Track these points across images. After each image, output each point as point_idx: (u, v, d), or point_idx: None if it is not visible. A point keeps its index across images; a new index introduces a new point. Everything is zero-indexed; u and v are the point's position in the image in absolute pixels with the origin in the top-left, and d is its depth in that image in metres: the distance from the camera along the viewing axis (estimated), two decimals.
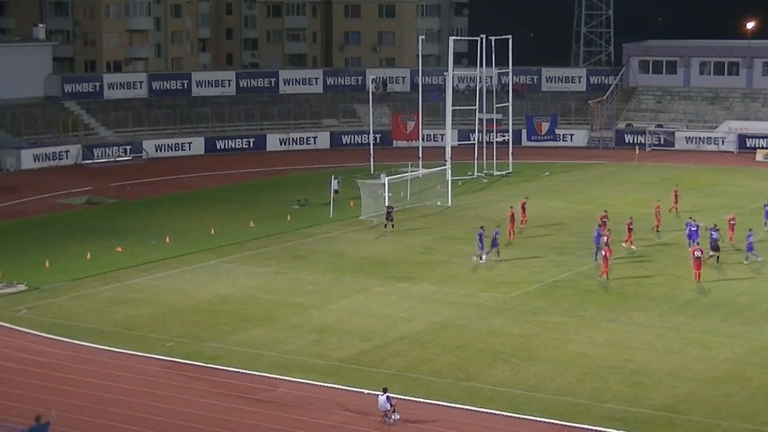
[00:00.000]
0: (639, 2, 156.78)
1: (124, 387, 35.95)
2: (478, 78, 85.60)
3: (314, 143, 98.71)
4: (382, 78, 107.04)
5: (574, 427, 32.71)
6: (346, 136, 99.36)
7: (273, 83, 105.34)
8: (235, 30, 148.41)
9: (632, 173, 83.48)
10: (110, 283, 49.62)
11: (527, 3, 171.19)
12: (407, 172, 72.02)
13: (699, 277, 48.62)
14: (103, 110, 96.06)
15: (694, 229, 54.29)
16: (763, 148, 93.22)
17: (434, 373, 37.17)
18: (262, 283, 49.59)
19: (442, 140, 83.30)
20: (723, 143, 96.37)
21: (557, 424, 32.89)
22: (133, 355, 39.34)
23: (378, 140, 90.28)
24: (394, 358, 38.86)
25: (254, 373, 37.29)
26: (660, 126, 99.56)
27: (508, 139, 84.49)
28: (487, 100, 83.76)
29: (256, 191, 75.95)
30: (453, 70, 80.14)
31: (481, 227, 53.99)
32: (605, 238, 52.32)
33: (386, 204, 62.43)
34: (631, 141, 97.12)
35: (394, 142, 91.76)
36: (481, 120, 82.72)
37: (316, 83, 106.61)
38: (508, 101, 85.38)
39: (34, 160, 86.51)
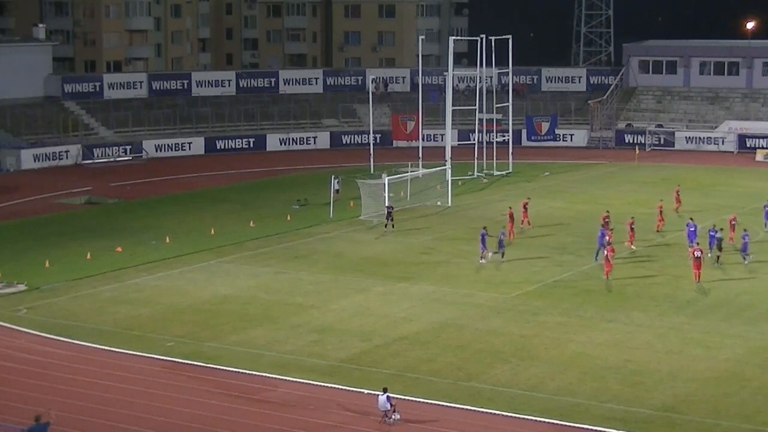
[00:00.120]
0: (639, 2, 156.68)
1: (124, 387, 35.95)
2: (478, 78, 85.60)
3: (314, 143, 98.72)
4: (383, 78, 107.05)
5: (574, 427, 32.71)
6: (346, 136, 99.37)
7: (273, 83, 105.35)
8: (235, 30, 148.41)
9: (632, 173, 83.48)
10: (110, 283, 49.62)
11: (527, 3, 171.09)
12: (407, 172, 72.03)
13: (699, 277, 48.63)
14: (103, 110, 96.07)
15: (693, 229, 54.28)
16: (763, 148, 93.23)
17: (434, 373, 37.17)
18: (262, 283, 49.59)
19: (442, 140, 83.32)
20: (723, 143, 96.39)
21: (557, 424, 32.89)
22: (133, 355, 39.34)
23: (378, 140, 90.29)
24: (394, 358, 38.86)
25: (254, 373, 37.29)
26: (660, 126, 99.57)
27: (508, 139, 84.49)
28: (487, 100, 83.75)
29: (256, 191, 75.95)
30: (453, 70, 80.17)
31: (484, 228, 53.97)
32: (608, 237, 52.36)
33: (386, 204, 62.43)
34: (631, 141, 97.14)
35: (394, 142, 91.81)
36: (481, 120, 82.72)
37: (316, 83, 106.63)
38: (508, 101, 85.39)
39: (34, 160, 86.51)
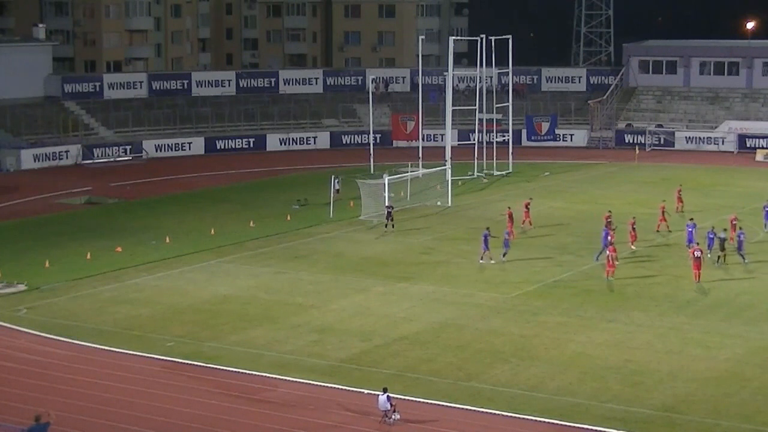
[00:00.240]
0: (639, 2, 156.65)
1: (124, 387, 35.95)
2: (478, 78, 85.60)
3: (314, 143, 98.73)
4: (384, 78, 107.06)
5: (574, 427, 32.71)
6: (346, 136, 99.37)
7: (273, 83, 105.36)
8: (235, 30, 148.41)
9: (632, 173, 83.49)
10: (110, 283, 49.62)
11: (527, 3, 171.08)
12: (407, 172, 72.03)
13: (699, 277, 48.63)
14: (103, 110, 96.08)
15: (692, 229, 54.25)
16: (763, 148, 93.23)
17: (434, 373, 37.17)
18: (262, 283, 49.59)
19: (442, 140, 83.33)
20: (723, 143, 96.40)
21: (557, 424, 32.89)
22: (133, 355, 39.34)
23: (378, 140, 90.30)
24: (394, 358, 38.86)
25: (254, 373, 37.29)
26: (660, 126, 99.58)
27: (508, 139, 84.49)
28: (487, 100, 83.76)
29: (256, 191, 75.96)
30: (453, 70, 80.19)
31: (487, 228, 53.93)
32: (610, 237, 52.40)
33: (386, 204, 62.42)
34: (631, 141, 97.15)
35: (394, 142, 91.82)
36: (481, 120, 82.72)
37: (316, 83, 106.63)
38: (508, 101, 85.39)
39: (34, 160, 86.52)
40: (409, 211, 66.70)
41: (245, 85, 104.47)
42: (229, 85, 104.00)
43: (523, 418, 33.36)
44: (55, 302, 46.34)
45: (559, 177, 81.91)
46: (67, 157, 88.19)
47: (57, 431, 30.60)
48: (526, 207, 61.80)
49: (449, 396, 35.02)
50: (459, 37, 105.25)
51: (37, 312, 44.81)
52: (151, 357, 39.03)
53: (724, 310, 44.98)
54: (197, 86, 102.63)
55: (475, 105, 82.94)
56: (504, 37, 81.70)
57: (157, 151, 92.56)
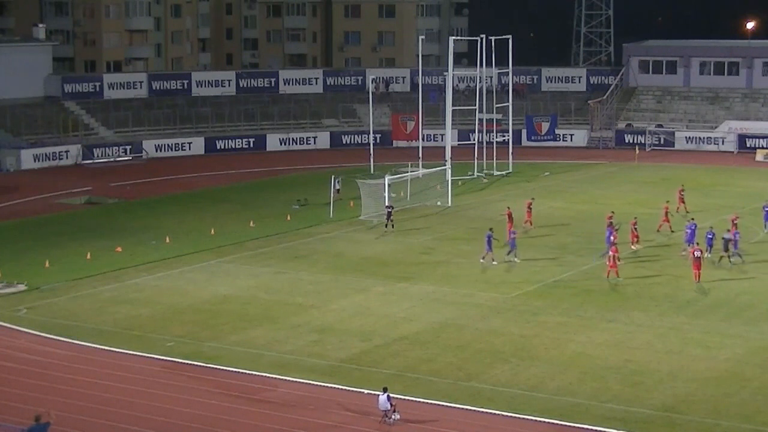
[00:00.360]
0: (639, 2, 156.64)
1: (124, 387, 35.95)
2: (478, 78, 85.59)
3: (314, 143, 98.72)
4: (384, 78, 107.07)
5: (574, 427, 32.71)
6: (346, 136, 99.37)
7: (273, 83, 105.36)
8: (235, 30, 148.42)
9: (632, 173, 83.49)
10: (110, 283, 49.62)
11: (527, 3, 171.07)
12: (407, 172, 72.04)
13: (699, 277, 48.62)
14: (103, 110, 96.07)
15: (692, 229, 54.25)
16: (763, 148, 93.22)
17: (434, 373, 37.18)
18: (262, 283, 49.59)
19: (442, 140, 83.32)
20: (723, 143, 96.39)
21: (557, 424, 32.89)
22: (133, 355, 39.35)
23: (378, 140, 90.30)
24: (394, 358, 38.86)
25: (254, 373, 37.29)
26: (660, 126, 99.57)
27: (508, 139, 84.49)
28: (487, 100, 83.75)
29: (256, 191, 75.96)
30: (453, 70, 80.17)
31: (490, 229, 53.90)
32: (613, 237, 52.44)
33: (386, 204, 62.40)
34: (631, 141, 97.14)
35: (394, 142, 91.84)
36: (481, 120, 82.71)
37: (316, 83, 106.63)
38: (508, 101, 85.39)
39: (34, 160, 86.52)
40: (409, 211, 66.71)
41: (245, 85, 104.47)
42: (229, 85, 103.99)
43: (523, 418, 33.36)
44: (55, 302, 46.34)
45: (559, 177, 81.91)
46: (67, 157, 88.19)
47: (57, 431, 30.60)
48: (529, 207, 61.74)
49: (449, 396, 35.02)
50: (459, 37, 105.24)
51: (37, 312, 44.81)
52: (151, 357, 39.02)
53: (724, 310, 44.98)
54: (197, 86, 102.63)
55: (475, 105, 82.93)
56: (504, 37, 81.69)
57: (157, 151, 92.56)
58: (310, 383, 36.24)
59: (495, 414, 33.66)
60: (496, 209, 65.40)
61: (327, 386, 35.98)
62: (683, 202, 65.34)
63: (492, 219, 61.60)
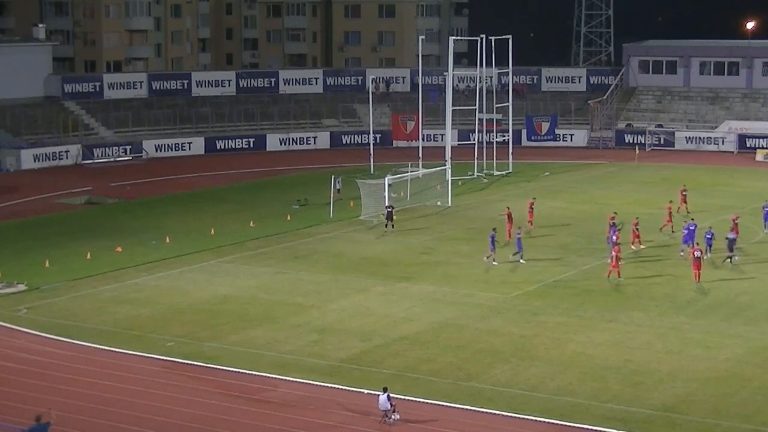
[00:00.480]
0: (639, 2, 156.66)
1: (124, 387, 35.95)
2: (478, 78, 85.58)
3: (314, 143, 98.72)
4: (384, 78, 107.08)
5: (574, 427, 32.71)
6: (346, 136, 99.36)
7: (273, 83, 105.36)
8: (235, 30, 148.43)
9: (632, 173, 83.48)
10: (110, 283, 49.62)
11: (527, 3, 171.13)
12: (407, 172, 72.03)
13: (699, 277, 48.62)
14: (103, 110, 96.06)
15: (692, 229, 54.26)
16: (763, 148, 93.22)
17: (434, 373, 37.18)
18: (262, 283, 49.59)
19: (442, 140, 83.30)
20: (723, 143, 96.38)
21: (557, 424, 32.89)
22: (133, 355, 39.35)
23: (378, 140, 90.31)
24: (394, 358, 38.87)
25: (254, 373, 37.29)
26: (660, 126, 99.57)
27: (508, 139, 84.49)
28: (487, 100, 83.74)
29: (256, 191, 75.96)
30: (453, 70, 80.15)
31: (494, 229, 53.90)
32: (615, 237, 52.45)
33: (386, 204, 62.39)
34: (631, 141, 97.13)
35: (394, 142, 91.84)
36: (481, 120, 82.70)
37: (316, 83, 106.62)
38: (508, 101, 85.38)
39: (34, 160, 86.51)
40: (409, 211, 66.70)
41: (245, 85, 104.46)
42: (229, 85, 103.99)
43: (523, 418, 33.36)
44: (55, 302, 46.34)
45: (559, 177, 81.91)
46: (67, 157, 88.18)
47: (57, 431, 30.60)
48: (530, 207, 61.68)
49: (449, 396, 35.03)
50: (459, 37, 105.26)
51: (37, 312, 44.81)
52: (151, 357, 39.02)
53: (724, 310, 44.98)
54: (197, 86, 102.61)
55: (475, 105, 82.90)
56: (504, 37, 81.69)
57: (157, 151, 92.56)
58: (310, 383, 36.25)
59: (495, 414, 33.67)
60: (496, 209, 65.38)
61: (327, 386, 35.99)
62: (685, 202, 65.33)
63: (492, 219, 61.58)
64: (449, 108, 78.28)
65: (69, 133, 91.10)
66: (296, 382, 36.45)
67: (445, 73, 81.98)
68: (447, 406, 34.28)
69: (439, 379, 36.67)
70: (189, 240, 58.69)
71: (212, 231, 60.66)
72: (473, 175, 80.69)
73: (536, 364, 38.16)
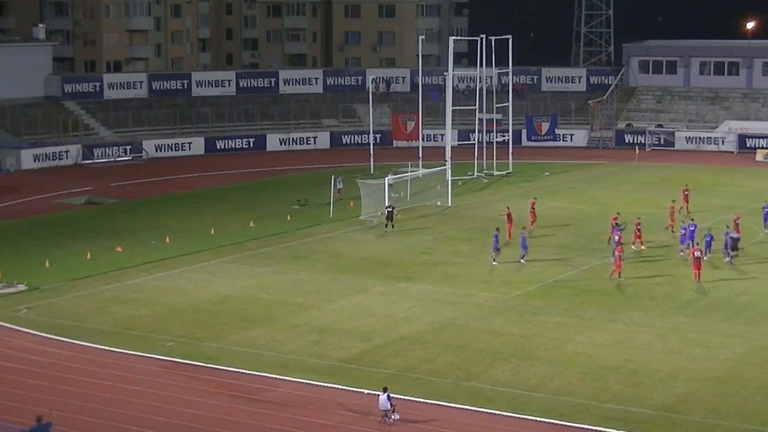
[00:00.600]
0: (639, 2, 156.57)
1: (124, 387, 35.96)
2: (478, 78, 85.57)
3: (314, 143, 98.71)
4: (384, 78, 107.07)
5: (574, 427, 32.71)
6: (346, 136, 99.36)
7: (273, 83, 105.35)
8: (235, 30, 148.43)
9: (632, 173, 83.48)
10: (110, 283, 49.62)
11: (527, 3, 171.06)
12: (407, 172, 72.03)
13: (699, 277, 48.62)
14: (103, 110, 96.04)
15: (692, 229, 54.26)
16: (763, 148, 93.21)
17: (434, 373, 37.18)
18: (262, 283, 49.59)
19: (442, 140, 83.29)
20: (723, 143, 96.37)
21: (557, 424, 32.90)
22: (133, 355, 39.35)
23: (378, 140, 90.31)
24: (394, 358, 38.87)
25: (254, 373, 37.29)
26: (660, 126, 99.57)
27: (508, 139, 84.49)
28: (487, 100, 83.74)
29: (256, 191, 75.95)
30: (453, 70, 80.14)
31: (497, 229, 53.90)
32: (617, 237, 52.44)
33: (386, 204, 62.37)
34: (631, 141, 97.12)
35: (394, 142, 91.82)
36: (481, 120, 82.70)
37: (316, 83, 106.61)
38: (508, 101, 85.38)
39: (34, 160, 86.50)
40: (409, 211, 66.70)
41: (245, 85, 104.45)
42: (229, 85, 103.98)
43: (523, 418, 33.36)
44: (55, 302, 46.34)
45: (559, 177, 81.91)
46: (67, 157, 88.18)
47: (57, 431, 30.60)
48: (532, 207, 61.62)
49: (449, 396, 35.03)
50: (459, 37, 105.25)
51: (37, 312, 44.81)
52: (151, 357, 39.02)
53: (724, 310, 44.99)
54: (197, 86, 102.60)
55: (475, 105, 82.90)
56: (504, 37, 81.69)
57: (157, 151, 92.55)
58: (310, 383, 36.25)
59: (495, 414, 33.67)
60: (496, 209, 65.38)
61: (327, 386, 35.99)
62: (687, 202, 65.33)
63: (492, 219, 61.58)
64: (449, 108, 78.26)
65: (69, 133, 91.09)
66: (296, 382, 36.45)
67: (445, 73, 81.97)
68: (447, 406, 34.28)
69: (439, 379, 36.67)
70: (189, 240, 58.69)
71: (212, 231, 60.66)
72: (473, 175, 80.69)
73: (536, 364, 38.16)
